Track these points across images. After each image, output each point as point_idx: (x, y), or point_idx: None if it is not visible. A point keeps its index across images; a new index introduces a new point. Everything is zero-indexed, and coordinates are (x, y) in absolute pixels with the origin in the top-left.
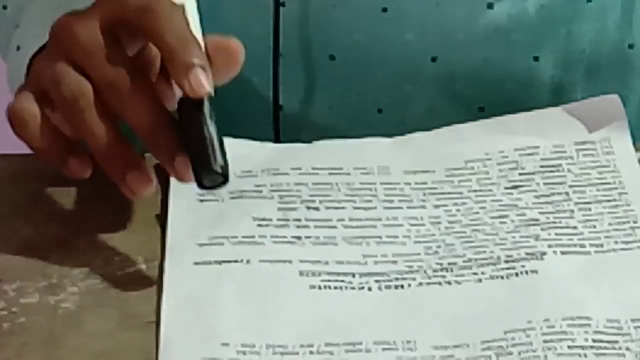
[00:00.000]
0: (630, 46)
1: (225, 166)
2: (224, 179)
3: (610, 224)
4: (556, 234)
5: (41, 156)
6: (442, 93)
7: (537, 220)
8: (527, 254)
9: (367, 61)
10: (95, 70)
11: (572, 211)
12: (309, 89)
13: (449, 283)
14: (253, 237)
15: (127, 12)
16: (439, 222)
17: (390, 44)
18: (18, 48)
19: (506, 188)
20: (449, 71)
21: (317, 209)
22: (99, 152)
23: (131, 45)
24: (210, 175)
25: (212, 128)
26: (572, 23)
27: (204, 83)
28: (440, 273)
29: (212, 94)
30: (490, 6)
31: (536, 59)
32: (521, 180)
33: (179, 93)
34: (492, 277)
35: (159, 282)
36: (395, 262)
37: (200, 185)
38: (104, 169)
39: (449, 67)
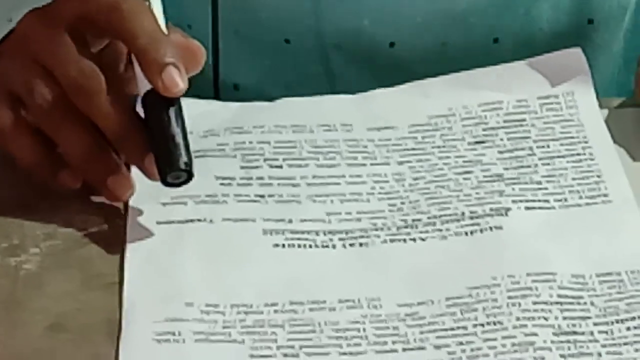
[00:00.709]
0: (590, 21)
1: (189, 162)
2: (188, 176)
3: (574, 179)
4: (520, 190)
5: (29, 169)
6: (400, 78)
7: (501, 175)
8: (491, 209)
9: (323, 46)
10: (62, 75)
11: (536, 166)
12: (265, 69)
13: (414, 240)
14: (216, 195)
15: (94, 12)
16: (403, 179)
17: (347, 29)
18: None
19: (470, 144)
20: (407, 56)
21: (280, 167)
22: (77, 158)
23: (98, 41)
24: (174, 173)
25: (177, 124)
26: (530, 2)
27: (177, 81)
28: (404, 230)
29: (185, 90)
30: None
31: (496, 40)
32: (485, 136)
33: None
34: (456, 234)
35: (122, 243)
36: (359, 219)
37: (164, 182)
38: (83, 175)
39: (407, 52)
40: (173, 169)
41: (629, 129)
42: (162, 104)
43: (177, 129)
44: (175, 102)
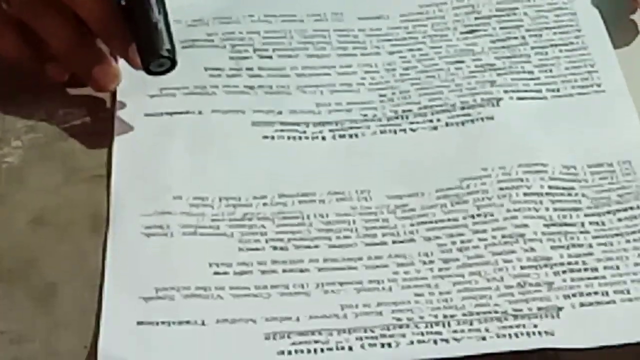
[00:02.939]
0: None
1: (171, 50)
2: (172, 63)
3: (566, 68)
4: (512, 79)
5: (16, 64)
6: None
7: (493, 65)
8: (482, 100)
9: None
10: None
11: (529, 56)
12: None
13: (404, 131)
14: (204, 87)
15: None
16: (394, 69)
17: None
18: None
19: (462, 33)
20: None
21: (269, 57)
22: (61, 49)
23: None
24: (157, 61)
25: (159, 12)
26: None
27: None
28: (395, 121)
29: None
30: None
31: None
32: (477, 25)
33: None
34: (447, 124)
35: (105, 135)
36: (349, 110)
37: (147, 71)
38: (69, 66)
39: None
40: (155, 57)
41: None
42: None
43: (158, 16)
44: None
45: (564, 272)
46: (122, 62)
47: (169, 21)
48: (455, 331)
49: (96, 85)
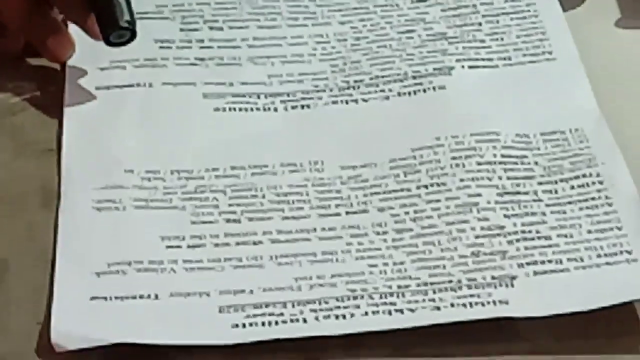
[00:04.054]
0: None
1: (131, 21)
2: (131, 35)
3: (518, 37)
4: (463, 48)
5: None
6: None
7: (444, 34)
8: (434, 69)
9: None
10: None
11: (480, 24)
12: None
13: (356, 101)
14: (155, 59)
15: None
16: (345, 39)
17: None
18: None
19: (413, 2)
20: None
21: (220, 28)
22: (15, 18)
23: None
24: (117, 32)
25: None
26: None
27: None
28: (346, 91)
29: None
30: None
31: None
32: None
33: None
34: (399, 94)
35: (56, 109)
36: (301, 81)
37: (107, 42)
38: (23, 36)
39: None
40: (116, 28)
41: None
42: None
43: None
44: None
45: (517, 240)
46: (74, 33)
47: None
48: (409, 301)
49: (50, 55)
